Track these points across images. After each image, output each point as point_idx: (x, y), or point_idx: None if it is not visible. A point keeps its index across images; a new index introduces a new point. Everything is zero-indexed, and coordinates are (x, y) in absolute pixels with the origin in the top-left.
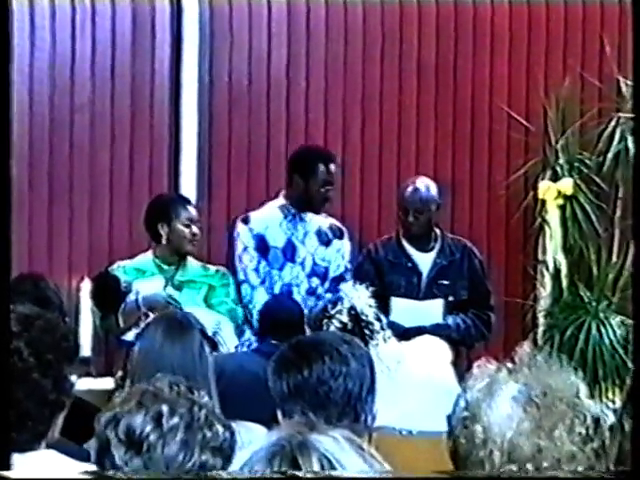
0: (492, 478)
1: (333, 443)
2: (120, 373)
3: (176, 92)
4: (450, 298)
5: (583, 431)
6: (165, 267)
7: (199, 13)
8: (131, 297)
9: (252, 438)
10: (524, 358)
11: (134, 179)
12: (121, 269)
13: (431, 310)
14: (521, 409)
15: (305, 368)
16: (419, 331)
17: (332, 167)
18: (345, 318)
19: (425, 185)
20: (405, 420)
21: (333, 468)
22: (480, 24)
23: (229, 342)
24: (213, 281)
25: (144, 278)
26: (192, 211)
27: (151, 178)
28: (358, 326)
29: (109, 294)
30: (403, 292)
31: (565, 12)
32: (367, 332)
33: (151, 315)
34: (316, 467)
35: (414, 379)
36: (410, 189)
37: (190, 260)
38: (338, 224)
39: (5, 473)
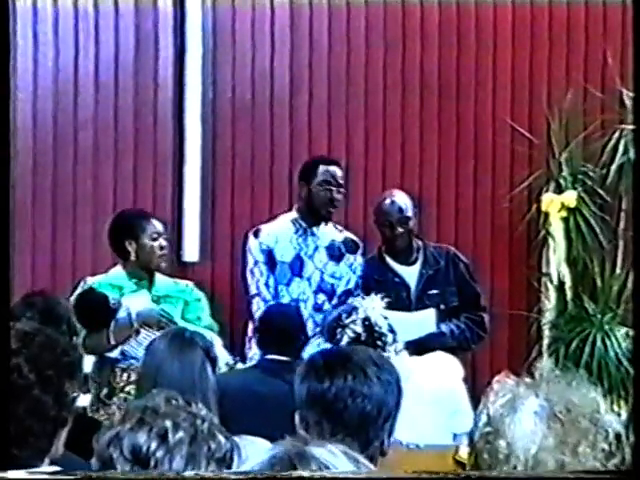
0: (492, 478)
1: (329, 454)
2: (105, 391)
3: (179, 106)
4: (441, 306)
5: (606, 447)
6: (136, 281)
7: (202, 27)
8: (122, 314)
9: (256, 451)
10: (544, 373)
11: (138, 193)
12: (96, 285)
13: (424, 321)
14: (545, 425)
15: (326, 380)
16: (417, 344)
17: (333, 168)
18: (359, 328)
19: (400, 196)
20: (413, 434)
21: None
22: (482, 36)
23: (221, 357)
24: (186, 296)
25: (128, 294)
26: (157, 225)
27: (155, 192)
28: (371, 337)
29: (98, 312)
30: (394, 308)
31: (567, 24)
32: (379, 344)
33: (142, 331)
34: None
35: (423, 394)
36: (388, 202)
37: (159, 275)
38: (354, 238)
39: (5, 473)
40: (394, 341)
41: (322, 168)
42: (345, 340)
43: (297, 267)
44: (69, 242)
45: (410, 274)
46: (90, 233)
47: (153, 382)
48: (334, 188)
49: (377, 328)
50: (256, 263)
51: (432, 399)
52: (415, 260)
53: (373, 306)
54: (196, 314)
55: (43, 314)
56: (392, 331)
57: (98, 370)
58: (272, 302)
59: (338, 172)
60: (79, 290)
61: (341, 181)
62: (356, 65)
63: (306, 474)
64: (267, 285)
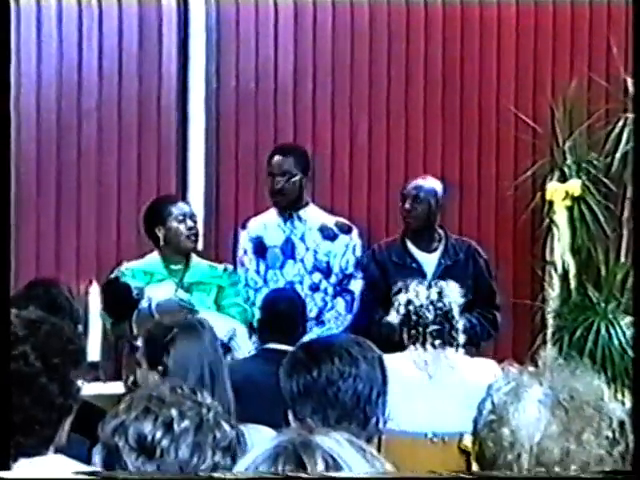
0: (492, 477)
1: (335, 443)
2: (132, 378)
3: (183, 96)
4: None
5: (610, 434)
6: (172, 267)
7: (206, 17)
8: (144, 304)
9: (262, 439)
10: (547, 362)
11: (142, 184)
12: (129, 272)
13: None
14: (549, 412)
15: (314, 369)
16: None
17: (275, 158)
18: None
19: (426, 179)
20: (438, 424)
21: (337, 465)
22: (486, 26)
23: (244, 347)
24: (222, 281)
25: (154, 282)
26: (184, 207)
27: (159, 183)
28: (448, 323)
29: (121, 302)
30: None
31: (571, 13)
32: (453, 334)
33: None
34: (320, 465)
35: (463, 391)
36: (411, 183)
37: (196, 259)
38: (345, 221)
39: (5, 474)
40: (457, 333)
41: (269, 161)
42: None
43: (289, 250)
44: (73, 232)
45: (428, 262)
46: (94, 222)
47: (187, 371)
48: (276, 178)
49: (449, 316)
50: (245, 252)
51: (468, 399)
52: (435, 249)
53: (450, 289)
54: (230, 300)
55: (46, 303)
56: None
57: (127, 358)
58: (266, 288)
59: (278, 161)
60: (110, 277)
61: (285, 169)
62: (360, 56)
63: (316, 476)
64: (257, 272)
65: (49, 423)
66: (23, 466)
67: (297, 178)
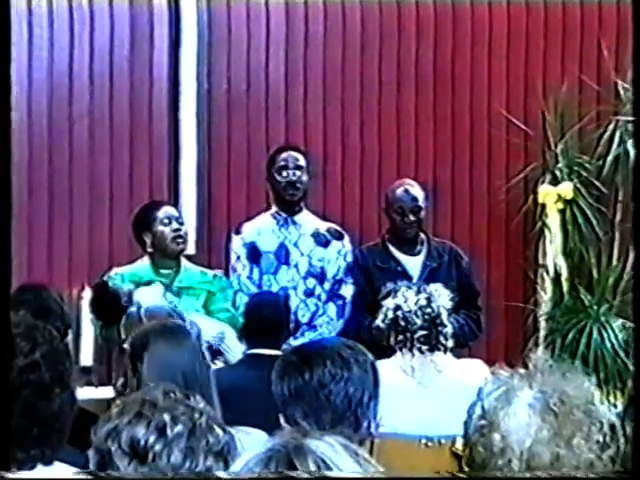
0: (488, 479)
1: (328, 447)
2: (122, 380)
3: (175, 99)
4: None
5: (600, 438)
6: (162, 272)
7: (197, 20)
8: (132, 309)
9: (251, 442)
10: (538, 364)
11: (134, 187)
12: (119, 277)
13: None
14: (539, 417)
15: (306, 371)
16: None
17: (287, 153)
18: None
19: (413, 185)
20: (430, 429)
21: (329, 470)
22: (478, 28)
23: (234, 351)
24: (212, 287)
25: (143, 286)
26: (169, 210)
27: (151, 186)
28: (436, 328)
29: (109, 306)
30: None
31: (563, 16)
32: (440, 338)
33: None
34: (312, 469)
35: (453, 392)
36: (401, 190)
37: (187, 264)
38: (337, 227)
39: (5, 473)
40: (446, 338)
41: (278, 156)
42: (418, 323)
43: (283, 255)
44: (65, 236)
45: (413, 265)
46: (86, 226)
47: (158, 377)
48: (290, 171)
49: (438, 320)
50: (238, 258)
51: (459, 400)
52: (419, 252)
53: (439, 293)
54: (219, 306)
55: (36, 307)
56: (446, 325)
57: (117, 361)
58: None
59: (294, 155)
60: (98, 282)
61: (300, 164)
62: (351, 57)
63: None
64: (250, 278)
65: (64, 431)
66: (41, 472)
67: (307, 177)
